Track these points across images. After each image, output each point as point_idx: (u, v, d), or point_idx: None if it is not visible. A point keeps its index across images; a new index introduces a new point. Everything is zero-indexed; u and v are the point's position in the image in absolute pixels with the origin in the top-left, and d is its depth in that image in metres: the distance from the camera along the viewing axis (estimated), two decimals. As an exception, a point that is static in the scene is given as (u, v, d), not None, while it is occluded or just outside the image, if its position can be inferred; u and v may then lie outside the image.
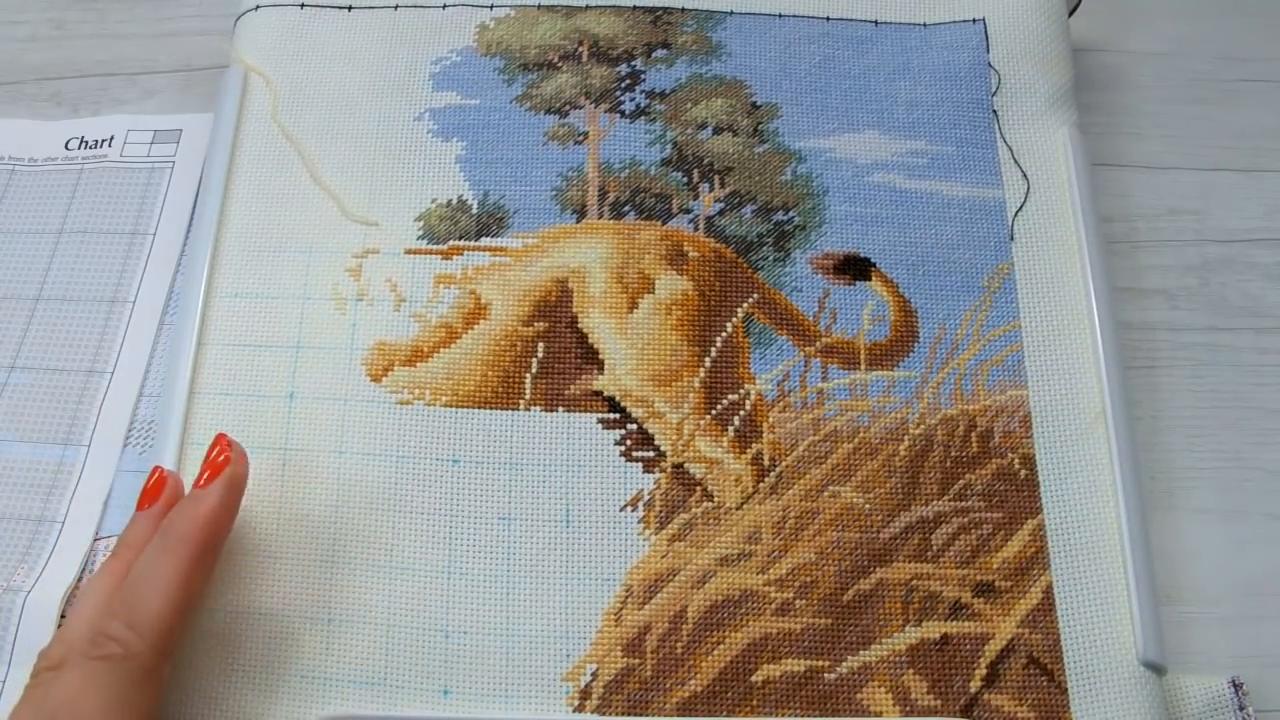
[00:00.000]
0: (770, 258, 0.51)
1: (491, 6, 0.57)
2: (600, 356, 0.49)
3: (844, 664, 0.43)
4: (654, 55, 0.56)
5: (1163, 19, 0.61)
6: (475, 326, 0.49)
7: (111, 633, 0.38)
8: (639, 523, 0.46)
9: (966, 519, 0.46)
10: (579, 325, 0.49)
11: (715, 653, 0.44)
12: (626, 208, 0.52)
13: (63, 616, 0.45)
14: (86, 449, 0.49)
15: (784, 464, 0.47)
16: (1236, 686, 0.44)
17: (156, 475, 0.44)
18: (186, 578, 0.40)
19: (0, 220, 0.55)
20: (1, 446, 0.50)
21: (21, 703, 0.38)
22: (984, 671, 0.43)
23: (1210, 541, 0.49)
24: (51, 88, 0.60)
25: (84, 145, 0.57)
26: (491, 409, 0.48)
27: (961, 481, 0.47)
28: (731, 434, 0.47)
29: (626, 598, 0.44)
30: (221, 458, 0.43)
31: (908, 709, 0.43)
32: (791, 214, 0.52)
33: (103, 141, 0.57)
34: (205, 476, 0.42)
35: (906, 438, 0.47)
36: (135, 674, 0.38)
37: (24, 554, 0.47)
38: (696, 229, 0.52)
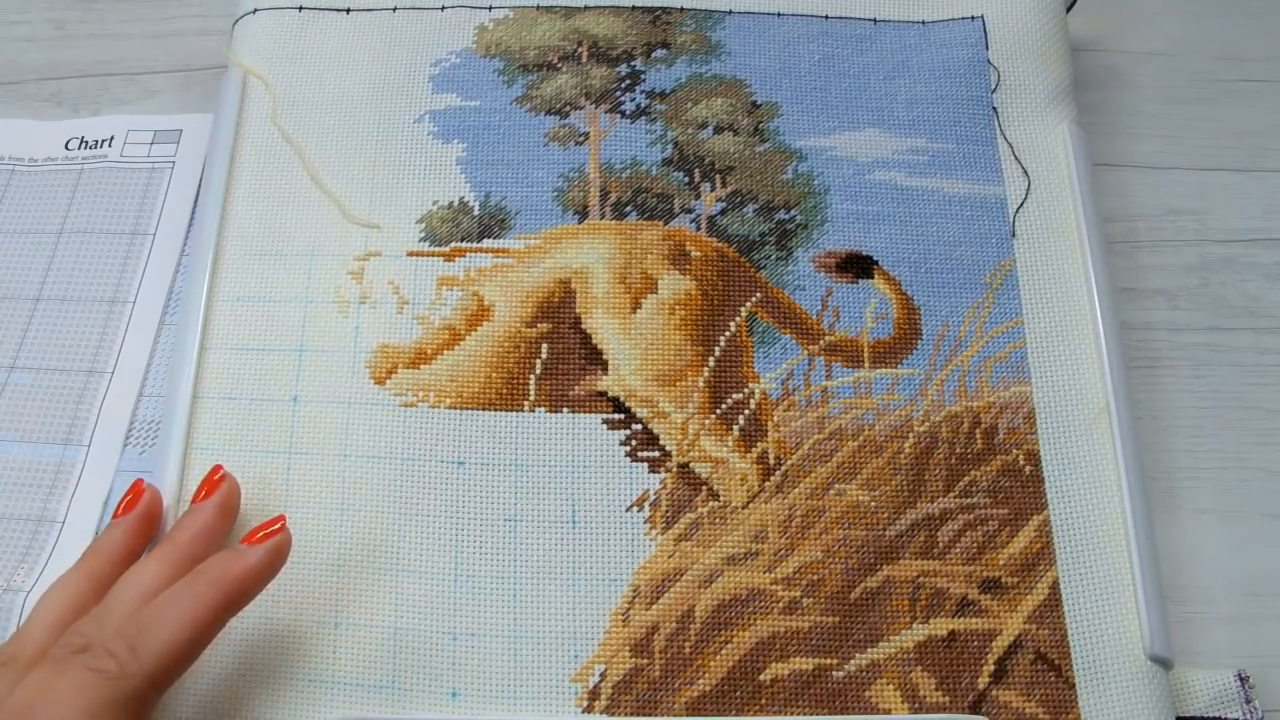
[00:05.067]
0: (773, 256, 0.51)
1: (490, 8, 0.57)
2: (604, 357, 0.49)
3: (852, 662, 0.43)
4: (654, 55, 0.56)
5: (1162, 18, 0.62)
6: (479, 328, 0.49)
7: (112, 648, 0.37)
8: (645, 523, 0.46)
9: (972, 515, 0.46)
10: (582, 326, 0.49)
11: (723, 652, 0.44)
12: (628, 208, 0.52)
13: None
14: (86, 449, 0.49)
15: (789, 462, 0.47)
16: (1243, 680, 0.44)
17: (135, 488, 0.44)
18: (204, 624, 0.39)
19: (0, 220, 0.55)
20: (1, 446, 0.49)
21: None
22: (992, 668, 0.43)
23: (1211, 541, 0.49)
24: (51, 88, 0.60)
25: (84, 145, 0.57)
26: (496, 410, 0.47)
27: (967, 478, 0.47)
28: (736, 433, 0.47)
29: (634, 598, 0.44)
30: (264, 534, 0.42)
31: (916, 706, 0.43)
32: (793, 212, 0.52)
33: (103, 141, 0.57)
34: (202, 494, 0.44)
35: (911, 435, 0.47)
36: (122, 696, 0.36)
37: (24, 554, 0.47)
38: (699, 228, 0.52)
